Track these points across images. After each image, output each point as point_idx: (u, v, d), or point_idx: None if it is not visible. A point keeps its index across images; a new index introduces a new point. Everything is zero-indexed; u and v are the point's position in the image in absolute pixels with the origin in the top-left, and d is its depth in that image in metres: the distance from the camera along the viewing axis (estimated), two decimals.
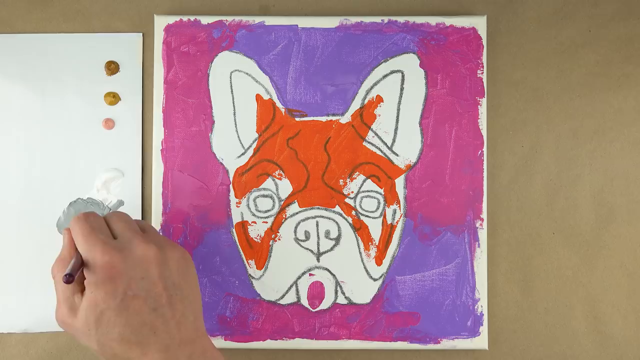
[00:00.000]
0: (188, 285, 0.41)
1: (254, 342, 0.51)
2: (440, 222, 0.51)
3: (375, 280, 0.51)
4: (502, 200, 0.52)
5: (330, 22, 0.51)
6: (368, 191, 0.51)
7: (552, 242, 0.52)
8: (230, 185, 0.51)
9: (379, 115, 0.51)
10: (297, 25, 0.51)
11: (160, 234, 0.49)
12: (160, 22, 0.51)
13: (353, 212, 0.51)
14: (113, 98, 0.52)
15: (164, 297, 0.39)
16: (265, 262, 0.51)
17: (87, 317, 0.38)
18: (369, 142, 0.51)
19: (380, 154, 0.51)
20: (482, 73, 0.51)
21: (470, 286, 0.51)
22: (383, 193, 0.51)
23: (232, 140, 0.51)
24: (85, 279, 0.40)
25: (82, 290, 0.40)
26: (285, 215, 0.51)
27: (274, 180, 0.51)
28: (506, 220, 0.52)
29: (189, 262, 0.43)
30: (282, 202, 0.51)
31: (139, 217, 0.51)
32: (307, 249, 0.51)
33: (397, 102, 0.51)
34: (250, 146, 0.51)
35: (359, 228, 0.51)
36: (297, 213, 0.51)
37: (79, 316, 0.39)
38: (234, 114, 0.51)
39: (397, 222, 0.51)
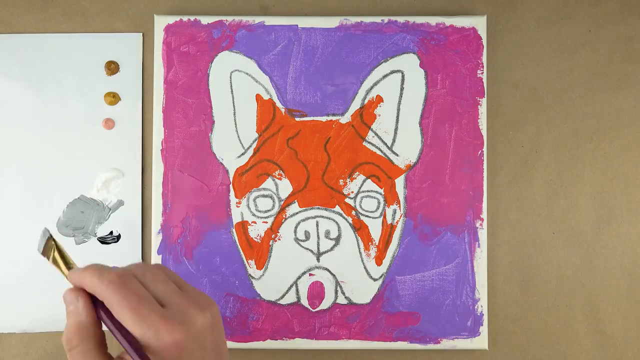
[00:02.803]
0: (224, 341, 0.39)
1: (254, 342, 0.51)
2: (440, 222, 0.51)
3: (375, 280, 0.51)
4: (502, 200, 0.52)
5: (330, 22, 0.51)
6: (368, 191, 0.51)
7: (552, 242, 0.52)
8: (230, 185, 0.51)
9: (379, 115, 0.51)
10: (297, 25, 0.51)
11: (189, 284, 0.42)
12: (160, 22, 0.51)
13: (353, 212, 0.51)
14: (113, 98, 0.52)
15: None
16: (265, 262, 0.51)
17: None
18: (369, 142, 0.51)
19: (380, 154, 0.51)
20: (482, 73, 0.51)
21: (470, 286, 0.51)
22: (383, 193, 0.51)
23: (232, 140, 0.51)
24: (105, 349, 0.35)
25: None
26: (285, 215, 0.51)
27: (274, 180, 0.51)
28: (506, 220, 0.52)
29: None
30: (282, 202, 0.51)
31: (139, 218, 0.51)
32: (307, 249, 0.51)
33: (397, 102, 0.51)
34: (250, 146, 0.51)
35: (359, 228, 0.51)
36: (297, 213, 0.51)
37: None
38: (234, 114, 0.51)
39: (397, 222, 0.51)
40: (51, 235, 0.39)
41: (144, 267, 0.37)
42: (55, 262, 0.38)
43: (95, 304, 0.35)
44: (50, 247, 0.39)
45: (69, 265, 0.38)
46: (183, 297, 0.36)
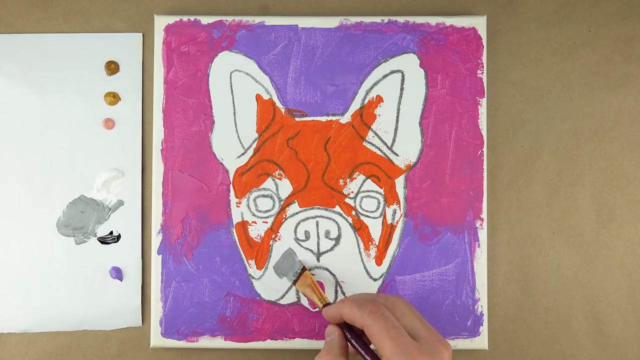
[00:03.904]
0: None
1: (254, 342, 0.51)
2: (440, 222, 0.51)
3: (375, 280, 0.51)
4: (502, 200, 0.52)
5: (330, 22, 0.51)
6: (368, 191, 0.51)
7: (552, 242, 0.52)
8: (230, 185, 0.51)
9: (379, 115, 0.51)
10: (297, 25, 0.51)
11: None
12: (160, 22, 0.51)
13: (353, 212, 0.51)
14: (113, 98, 0.52)
15: None
16: (265, 262, 0.51)
17: None
18: (369, 142, 0.51)
19: (380, 154, 0.51)
20: (482, 73, 0.51)
21: (470, 286, 0.51)
22: (383, 193, 0.51)
23: (232, 140, 0.51)
24: None
25: None
26: (285, 215, 0.51)
27: (274, 180, 0.51)
28: (506, 220, 0.52)
29: None
30: (282, 202, 0.51)
31: (139, 218, 0.51)
32: (307, 249, 0.51)
33: (397, 102, 0.51)
34: (250, 146, 0.51)
35: (359, 228, 0.51)
36: (297, 213, 0.51)
37: None
38: (234, 114, 0.51)
39: (397, 222, 0.51)
40: (305, 267, 0.49)
41: (392, 299, 0.41)
42: (312, 290, 0.48)
43: (345, 332, 0.43)
44: (304, 277, 0.48)
45: (321, 297, 0.47)
46: (428, 332, 0.39)
